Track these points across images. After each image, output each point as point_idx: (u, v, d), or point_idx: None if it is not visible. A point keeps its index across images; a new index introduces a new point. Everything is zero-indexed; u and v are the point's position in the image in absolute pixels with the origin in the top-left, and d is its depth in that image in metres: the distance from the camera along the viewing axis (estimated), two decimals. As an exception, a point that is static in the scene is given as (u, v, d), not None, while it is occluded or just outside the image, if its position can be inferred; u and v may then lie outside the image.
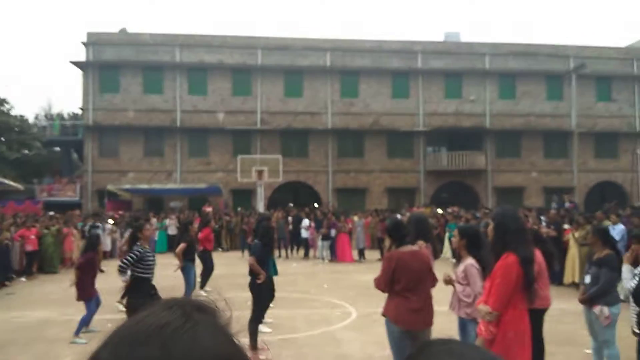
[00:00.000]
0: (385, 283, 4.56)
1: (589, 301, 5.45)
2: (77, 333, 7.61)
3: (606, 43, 63.77)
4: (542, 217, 15.91)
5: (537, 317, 5.17)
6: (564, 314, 8.82)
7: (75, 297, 8.03)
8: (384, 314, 4.70)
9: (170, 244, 19.72)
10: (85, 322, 7.75)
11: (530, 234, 5.24)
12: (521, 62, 31.69)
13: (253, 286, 7.13)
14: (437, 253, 5.46)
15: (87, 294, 7.97)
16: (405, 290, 4.49)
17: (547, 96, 31.90)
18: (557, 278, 11.57)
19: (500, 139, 31.48)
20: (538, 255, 5.28)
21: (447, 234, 18.25)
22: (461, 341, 0.84)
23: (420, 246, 4.99)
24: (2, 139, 29.35)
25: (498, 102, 31.60)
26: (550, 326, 6.44)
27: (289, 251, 20.11)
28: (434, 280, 4.78)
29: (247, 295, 7.15)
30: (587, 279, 5.59)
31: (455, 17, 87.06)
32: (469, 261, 4.78)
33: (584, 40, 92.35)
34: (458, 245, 5.06)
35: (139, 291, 6.67)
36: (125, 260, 6.76)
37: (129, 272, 6.83)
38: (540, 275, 5.29)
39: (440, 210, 22.56)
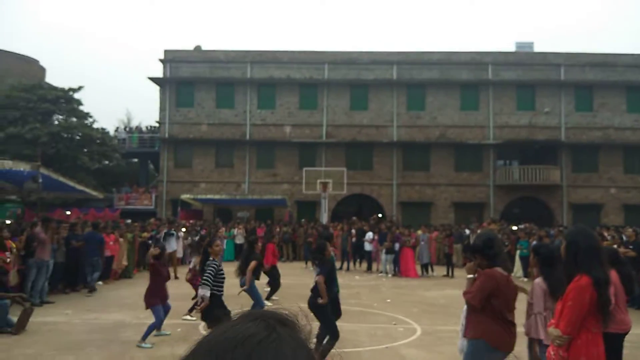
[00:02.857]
0: (480, 300, 4.22)
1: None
2: (144, 338, 7.88)
3: (696, 51, 59.58)
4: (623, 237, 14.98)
5: (614, 342, 4.89)
6: (645, 341, 8.25)
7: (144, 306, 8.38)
8: (477, 337, 4.30)
9: (237, 253, 20.33)
10: (152, 329, 8.03)
11: (607, 254, 5.00)
12: (599, 73, 30.19)
13: (314, 305, 6.93)
14: (508, 272, 5.02)
15: (151, 301, 8.20)
16: (505, 314, 4.28)
17: (628, 108, 30.13)
18: (637, 302, 10.86)
19: (577, 153, 30.02)
20: (614, 276, 5.01)
21: (518, 252, 17.60)
22: None
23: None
24: (85, 150, 31.30)
25: (574, 114, 30.20)
26: (630, 352, 6.06)
27: (351, 264, 20.06)
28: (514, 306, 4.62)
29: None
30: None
31: (528, 26, 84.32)
32: (537, 280, 4.73)
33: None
34: (532, 264, 4.98)
35: (212, 307, 6.98)
36: (206, 276, 7.18)
37: (208, 289, 7.12)
38: (617, 298, 5.02)
39: (515, 227, 21.74)
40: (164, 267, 8.65)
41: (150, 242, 16.33)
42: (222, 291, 7.40)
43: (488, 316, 4.24)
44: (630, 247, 12.38)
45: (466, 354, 4.41)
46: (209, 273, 7.18)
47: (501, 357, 4.27)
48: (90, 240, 13.68)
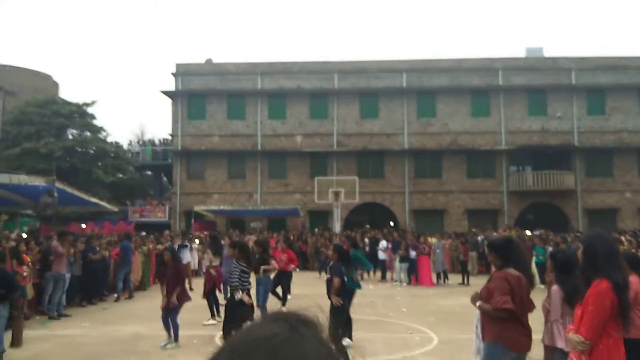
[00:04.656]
0: (509, 301, 4.18)
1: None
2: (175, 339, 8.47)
3: None
4: (640, 241, 14.78)
5: (635, 348, 4.83)
6: (667, 347, 8.10)
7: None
8: (494, 340, 4.31)
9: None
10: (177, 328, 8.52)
11: (626, 258, 4.96)
12: (610, 76, 29.96)
13: (335, 310, 7.30)
14: (531, 281, 4.73)
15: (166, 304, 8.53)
16: (519, 315, 4.31)
17: (641, 111, 29.85)
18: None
19: (590, 157, 29.74)
20: (636, 281, 4.95)
21: (533, 258, 17.39)
22: None
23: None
24: (99, 163, 31.63)
25: (586, 118, 29.98)
26: (651, 359, 5.94)
27: (365, 273, 19.93)
28: (532, 306, 4.58)
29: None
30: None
31: (537, 31, 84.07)
32: (554, 287, 4.71)
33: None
34: (550, 269, 4.97)
35: (237, 312, 7.16)
36: (234, 279, 7.50)
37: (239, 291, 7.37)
38: (638, 303, 4.96)
39: (528, 233, 21.56)
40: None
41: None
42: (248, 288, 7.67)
43: (502, 319, 4.27)
44: (649, 251, 12.18)
45: (483, 358, 4.44)
46: (236, 276, 7.45)
47: (516, 358, 4.28)
48: (125, 250, 14.54)
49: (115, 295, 14.24)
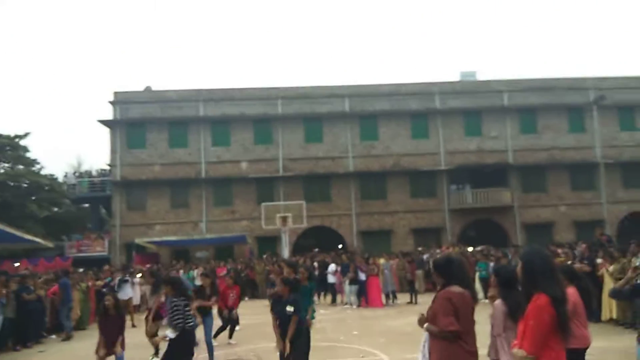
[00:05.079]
0: (455, 322, 4.19)
1: None
2: None
3: (625, 72, 63.56)
4: (576, 252, 15.50)
5: (576, 357, 4.99)
6: (605, 352, 8.48)
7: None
8: None
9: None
10: None
11: (563, 271, 5.15)
12: (540, 97, 31.71)
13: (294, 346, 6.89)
14: (474, 297, 4.72)
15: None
16: (463, 334, 4.31)
17: (570, 129, 31.69)
18: (594, 315, 11.17)
19: (525, 174, 31.16)
20: (573, 293, 5.15)
21: (477, 274, 17.85)
22: None
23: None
24: (33, 197, 30.17)
25: (520, 137, 31.47)
26: (591, 367, 6.18)
27: (315, 296, 19.79)
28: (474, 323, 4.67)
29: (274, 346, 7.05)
30: None
31: (470, 56, 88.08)
32: (497, 302, 4.82)
33: (602, 71, 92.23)
34: (493, 285, 5.07)
35: (184, 344, 6.70)
36: (176, 317, 6.73)
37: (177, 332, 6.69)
38: (576, 314, 5.15)
39: (470, 249, 22.18)
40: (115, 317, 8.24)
41: (104, 290, 15.72)
42: (192, 326, 7.06)
43: (449, 341, 4.28)
44: (585, 262, 12.77)
45: None
46: (179, 313, 6.74)
47: None
48: (65, 287, 13.90)
49: (54, 336, 13.46)
